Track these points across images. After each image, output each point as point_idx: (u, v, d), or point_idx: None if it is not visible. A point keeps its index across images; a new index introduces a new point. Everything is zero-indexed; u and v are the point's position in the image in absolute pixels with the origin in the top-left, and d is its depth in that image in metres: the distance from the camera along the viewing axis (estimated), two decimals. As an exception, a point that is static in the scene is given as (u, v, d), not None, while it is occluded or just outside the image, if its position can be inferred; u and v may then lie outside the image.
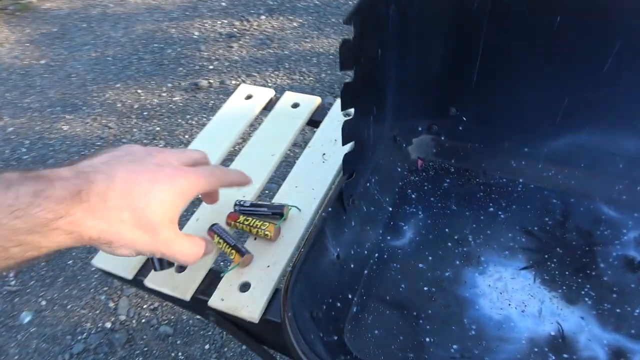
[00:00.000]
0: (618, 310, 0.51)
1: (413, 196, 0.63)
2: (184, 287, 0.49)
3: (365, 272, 0.55)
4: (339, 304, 0.51)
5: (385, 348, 0.49)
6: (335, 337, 0.49)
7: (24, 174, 0.31)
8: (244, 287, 0.48)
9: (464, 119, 0.65)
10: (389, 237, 0.59)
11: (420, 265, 0.56)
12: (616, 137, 0.59)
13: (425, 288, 0.53)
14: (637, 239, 0.57)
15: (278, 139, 0.64)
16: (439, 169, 0.67)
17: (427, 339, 0.49)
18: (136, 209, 0.35)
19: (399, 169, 0.66)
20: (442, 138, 0.67)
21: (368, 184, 0.59)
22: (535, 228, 0.59)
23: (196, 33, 2.14)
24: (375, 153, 0.60)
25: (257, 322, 0.46)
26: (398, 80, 0.58)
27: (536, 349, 0.48)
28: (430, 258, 0.56)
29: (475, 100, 0.63)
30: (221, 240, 0.51)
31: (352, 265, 0.54)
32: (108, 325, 1.27)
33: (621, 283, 0.53)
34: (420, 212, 0.61)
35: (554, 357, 0.47)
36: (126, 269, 0.51)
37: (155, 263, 0.46)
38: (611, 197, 0.61)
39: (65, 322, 1.28)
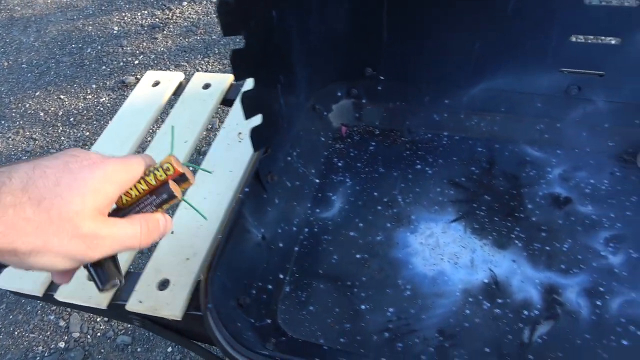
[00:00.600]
0: (548, 248, 0.51)
1: (340, 164, 0.61)
2: (98, 295, 0.45)
3: (297, 249, 0.53)
4: (270, 286, 0.49)
5: (321, 323, 0.47)
6: (269, 321, 0.47)
7: None
8: (163, 285, 0.45)
9: (381, 78, 0.63)
10: (318, 210, 0.57)
11: (352, 233, 0.54)
12: (530, 77, 0.58)
13: (358, 256, 0.52)
14: (561, 175, 0.57)
15: (190, 124, 0.60)
16: (363, 133, 0.65)
17: (363, 307, 0.48)
18: (43, 202, 0.28)
19: (323, 139, 0.64)
20: (363, 101, 0.65)
21: (289, 158, 0.57)
22: (463, 179, 0.58)
23: (116, 28, 2.03)
24: (293, 125, 0.58)
25: (180, 319, 0.43)
26: (304, 45, 0.56)
27: (471, 299, 0.48)
28: (361, 225, 0.55)
29: (388, 57, 0.61)
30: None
31: (280, 244, 0.52)
32: (61, 345, 1.20)
33: (549, 221, 0.53)
34: (348, 180, 0.59)
35: (488, 304, 0.47)
36: (35, 285, 0.47)
37: (95, 277, 0.33)
38: (533, 137, 0.61)
39: (15, 350, 1.21)
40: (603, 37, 0.58)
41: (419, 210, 0.55)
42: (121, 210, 0.33)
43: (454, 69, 0.60)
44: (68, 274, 0.33)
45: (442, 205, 0.56)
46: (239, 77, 0.42)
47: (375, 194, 0.58)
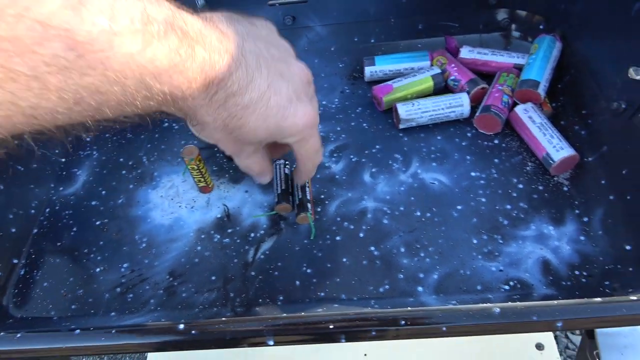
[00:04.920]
0: (278, 172, 0.53)
1: (88, 139, 0.60)
2: None
3: (35, 230, 0.52)
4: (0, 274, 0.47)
5: (53, 295, 0.46)
6: (-4, 308, 0.45)
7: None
8: None
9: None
10: (61, 188, 0.55)
11: (93, 202, 0.53)
12: (250, 14, 0.60)
13: (98, 222, 0.51)
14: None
15: None
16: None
17: (97, 269, 0.48)
18: (244, 127, 0.34)
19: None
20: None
21: (17, 142, 0.54)
22: (207, 127, 0.59)
23: None
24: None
25: None
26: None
27: (203, 236, 0.49)
28: (103, 192, 0.54)
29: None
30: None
31: (12, 230, 0.50)
32: None
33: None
34: (95, 152, 0.58)
35: (218, 236, 0.48)
36: None
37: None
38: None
39: None
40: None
41: (162, 166, 0.56)
42: None
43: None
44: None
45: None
46: None
47: (121, 159, 0.57)
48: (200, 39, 0.28)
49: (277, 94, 0.33)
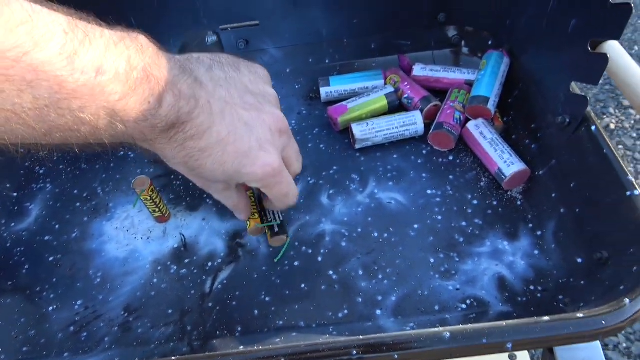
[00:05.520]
0: (236, 198, 0.52)
1: (41, 172, 0.59)
2: None
3: (-16, 271, 0.50)
4: (-53, 319, 0.45)
5: (3, 337, 0.45)
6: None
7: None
8: None
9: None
10: (13, 224, 0.54)
11: (47, 237, 0.52)
12: (202, 39, 0.60)
13: (51, 258, 0.50)
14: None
15: None
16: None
17: (51, 308, 0.46)
18: (202, 167, 0.35)
19: (22, 150, 0.60)
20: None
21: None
22: (164, 154, 0.58)
23: None
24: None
25: None
26: None
27: (159, 267, 0.48)
28: (57, 226, 0.53)
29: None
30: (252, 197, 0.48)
31: (-40, 272, 0.48)
32: None
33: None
34: (49, 185, 0.57)
35: (175, 267, 0.48)
36: None
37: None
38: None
39: None
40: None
41: (117, 197, 0.55)
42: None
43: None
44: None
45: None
46: None
47: (76, 191, 0.56)
48: (171, 87, 0.30)
49: (236, 142, 0.34)
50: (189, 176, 0.38)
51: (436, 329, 0.33)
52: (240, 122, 0.35)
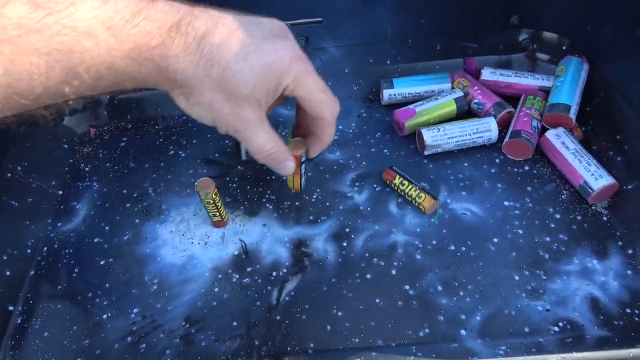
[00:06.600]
0: (297, 204, 0.50)
1: (87, 169, 0.56)
2: None
3: (32, 272, 0.47)
4: (-5, 324, 0.43)
5: (55, 347, 0.42)
6: (-10, 365, 0.40)
7: None
8: None
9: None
10: (59, 224, 0.51)
11: (96, 239, 0.49)
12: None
13: (102, 262, 0.47)
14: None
15: None
16: (115, 130, 0.60)
17: (105, 316, 0.43)
18: (227, 70, 0.30)
19: (66, 146, 0.58)
20: (111, 97, 0.60)
21: (10, 175, 0.50)
22: (217, 154, 0.56)
23: None
24: (12, 136, 0.51)
25: None
26: None
27: (220, 275, 0.45)
28: (107, 228, 0.50)
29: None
30: (405, 182, 0.48)
31: (7, 273, 0.45)
32: None
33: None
34: (95, 184, 0.54)
35: (237, 276, 0.45)
36: None
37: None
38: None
39: None
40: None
41: (170, 198, 0.52)
42: None
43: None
44: None
45: (193, 188, 0.52)
46: None
47: (125, 191, 0.53)
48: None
49: (248, 33, 0.31)
50: (219, 108, 0.32)
51: (543, 356, 0.30)
52: (242, 21, 0.32)
